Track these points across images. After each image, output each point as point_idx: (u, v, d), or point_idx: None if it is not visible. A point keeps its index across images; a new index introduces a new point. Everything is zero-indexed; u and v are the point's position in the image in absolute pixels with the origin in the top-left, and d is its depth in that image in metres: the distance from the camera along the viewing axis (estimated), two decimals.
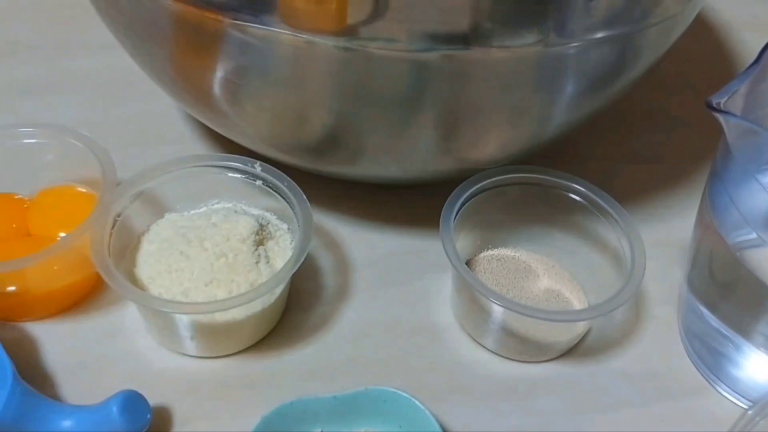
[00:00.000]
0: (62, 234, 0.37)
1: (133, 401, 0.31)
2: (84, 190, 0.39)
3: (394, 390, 0.31)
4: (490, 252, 0.41)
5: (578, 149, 0.47)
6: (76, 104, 0.49)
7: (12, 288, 0.35)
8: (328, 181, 0.41)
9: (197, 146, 0.47)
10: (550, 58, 0.32)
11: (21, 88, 0.50)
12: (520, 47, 0.31)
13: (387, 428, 0.32)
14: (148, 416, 0.31)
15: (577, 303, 0.38)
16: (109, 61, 0.52)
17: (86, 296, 0.37)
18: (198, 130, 0.48)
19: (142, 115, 0.49)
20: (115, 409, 0.30)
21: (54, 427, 0.30)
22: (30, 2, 0.58)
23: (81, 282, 0.37)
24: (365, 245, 0.41)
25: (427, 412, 0.31)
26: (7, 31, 0.55)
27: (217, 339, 0.35)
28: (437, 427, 0.30)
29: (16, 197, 0.39)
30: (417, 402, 0.31)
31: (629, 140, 0.50)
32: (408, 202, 0.44)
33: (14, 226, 0.37)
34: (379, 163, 0.38)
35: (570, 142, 0.41)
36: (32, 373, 0.34)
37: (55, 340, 0.36)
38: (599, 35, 0.32)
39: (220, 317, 0.33)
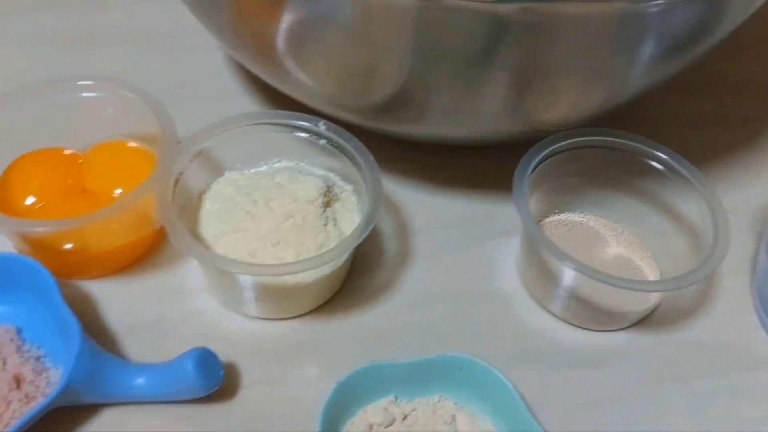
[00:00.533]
0: (118, 191, 0.36)
1: (207, 358, 0.30)
2: (137, 146, 0.38)
3: (470, 357, 0.30)
4: (557, 217, 0.39)
5: (648, 112, 0.45)
6: (119, 57, 0.48)
7: (69, 246, 0.34)
8: (387, 141, 0.39)
9: (246, 102, 0.45)
10: (633, 16, 0.30)
11: (64, 40, 0.49)
12: (604, 2, 0.29)
13: (461, 395, 0.31)
14: (221, 373, 0.31)
15: (648, 271, 0.37)
16: (153, 12, 0.51)
17: (144, 255, 0.36)
18: (247, 86, 0.46)
19: (189, 68, 0.47)
20: (190, 365, 0.29)
21: (126, 384, 0.30)
22: None
23: (139, 241, 0.36)
24: (427, 209, 0.40)
25: (505, 380, 0.30)
26: None
27: (283, 301, 0.34)
28: (516, 396, 0.29)
29: (69, 153, 0.38)
30: (495, 370, 0.30)
31: (701, 103, 0.48)
32: (470, 166, 0.42)
33: (69, 182, 0.36)
34: (447, 123, 0.36)
35: (640, 104, 0.39)
36: (94, 333, 0.33)
37: (117, 300, 0.35)
38: None
39: (288, 280, 0.32)
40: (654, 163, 0.37)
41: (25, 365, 0.31)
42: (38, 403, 0.29)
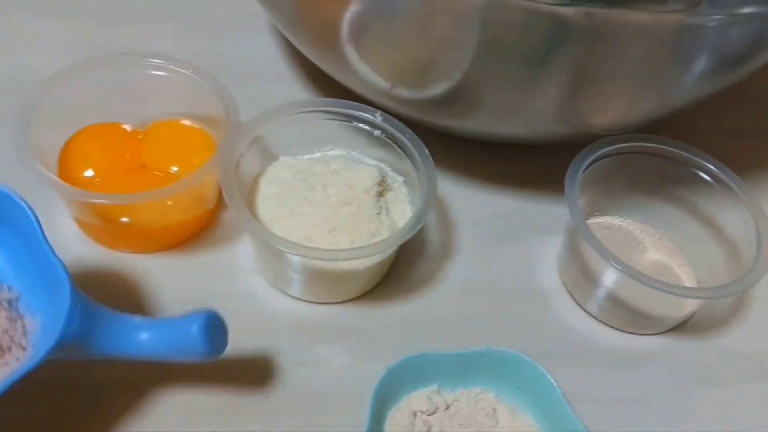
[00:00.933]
0: (174, 168, 0.37)
1: (213, 322, 0.28)
2: (194, 125, 0.39)
3: (516, 352, 0.31)
4: (598, 219, 0.40)
5: (692, 120, 0.46)
6: (174, 35, 0.49)
7: (126, 219, 0.35)
8: (435, 134, 0.40)
9: (297, 87, 0.46)
10: (691, 27, 0.31)
11: (119, 17, 0.50)
12: (663, 12, 0.30)
13: (502, 388, 0.32)
14: (226, 342, 0.29)
15: (686, 278, 0.38)
16: None
17: (197, 234, 0.37)
18: (298, 71, 0.47)
19: (242, 50, 0.48)
20: (195, 328, 0.27)
21: (124, 339, 0.28)
22: None
23: (193, 220, 0.37)
24: (472, 204, 0.41)
25: (549, 377, 0.31)
26: None
27: (331, 286, 0.35)
28: (559, 393, 0.30)
29: (129, 128, 0.38)
30: (539, 366, 0.31)
31: (746, 114, 0.49)
32: (515, 164, 0.43)
33: (128, 157, 0.37)
34: (500, 119, 0.37)
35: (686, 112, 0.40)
36: (143, 305, 0.34)
37: (168, 275, 0.36)
38: (747, 10, 0.31)
39: (339, 266, 0.33)
40: (699, 173, 0.38)
41: None
42: (13, 355, 0.27)
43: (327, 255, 0.32)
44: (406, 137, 0.36)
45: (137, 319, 0.29)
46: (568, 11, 0.29)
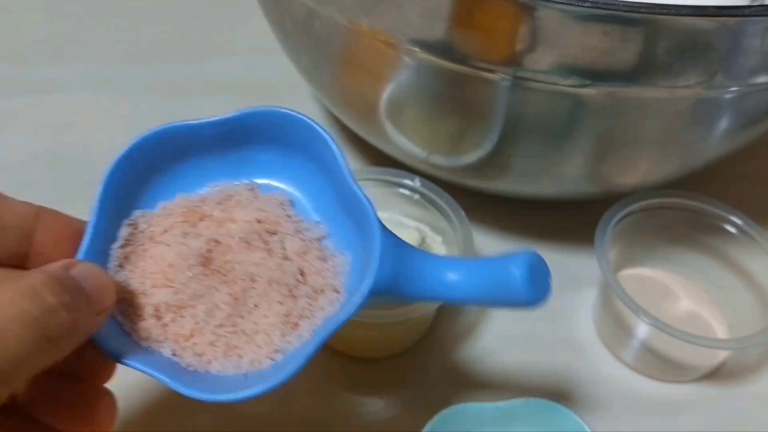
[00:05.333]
0: None
1: (536, 264, 0.25)
2: None
3: (555, 403, 0.33)
4: (630, 271, 0.42)
5: (718, 168, 0.47)
6: (221, 107, 0.52)
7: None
8: (471, 193, 0.42)
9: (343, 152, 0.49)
10: (708, 100, 0.33)
11: (167, 89, 0.54)
12: (680, 88, 0.32)
13: None
14: (550, 286, 0.26)
15: (717, 326, 0.39)
16: (254, 64, 0.55)
17: None
18: (343, 137, 0.50)
19: None
20: (516, 270, 0.24)
21: (435, 280, 0.25)
22: (177, 3, 0.62)
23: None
24: None
25: (585, 427, 0.32)
26: (153, 33, 0.59)
27: (372, 344, 0.37)
28: None
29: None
30: (577, 417, 0.33)
31: (761, 160, 0.50)
32: (549, 218, 0.45)
33: None
34: (530, 182, 0.40)
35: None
36: None
37: None
38: (762, 80, 0.33)
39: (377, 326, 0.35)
40: (725, 225, 0.39)
41: (309, 251, 0.26)
42: (327, 298, 0.25)
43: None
44: (443, 200, 0.38)
45: (449, 259, 0.26)
46: (589, 91, 0.31)
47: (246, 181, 0.27)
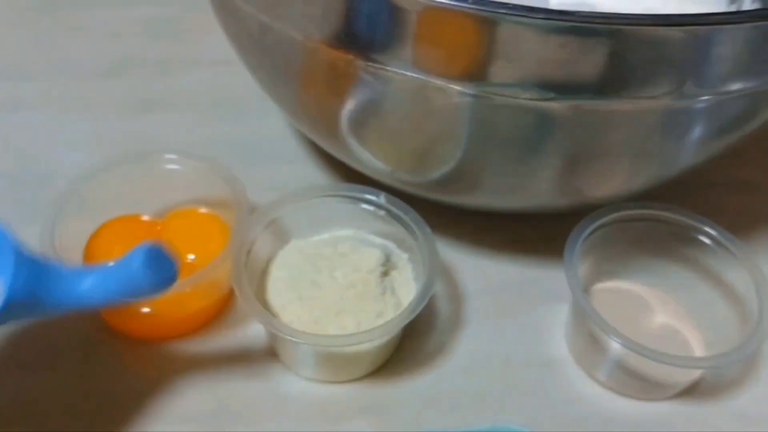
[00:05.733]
0: (191, 256, 0.39)
1: (157, 253, 0.28)
2: (208, 212, 0.41)
3: (520, 429, 0.32)
4: (604, 284, 0.41)
5: (693, 177, 0.46)
6: (188, 121, 0.51)
7: (147, 309, 0.37)
8: (441, 207, 0.41)
9: (310, 166, 0.48)
10: (679, 110, 0.32)
11: (133, 105, 0.53)
12: (648, 99, 0.31)
13: None
14: (173, 269, 0.28)
15: (694, 341, 0.38)
16: (220, 78, 0.54)
17: (212, 319, 0.39)
18: (311, 152, 0.49)
19: (254, 133, 0.50)
20: (137, 261, 0.27)
21: (73, 291, 0.27)
22: (140, 19, 0.61)
23: (210, 306, 0.38)
24: (478, 273, 0.42)
25: None
26: (118, 49, 0.58)
27: (342, 366, 0.36)
28: None
29: (148, 219, 0.41)
30: None
31: (747, 169, 0.50)
32: (521, 231, 0.44)
33: None
34: (499, 197, 0.39)
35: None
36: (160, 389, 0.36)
37: (184, 360, 0.37)
38: (734, 87, 0.32)
39: (347, 348, 0.34)
40: (699, 236, 0.38)
41: None
42: None
43: (332, 342, 0.33)
44: (408, 216, 0.37)
45: (84, 269, 0.29)
46: (554, 105, 0.30)
47: None
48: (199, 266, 0.36)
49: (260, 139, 0.50)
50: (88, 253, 0.38)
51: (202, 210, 0.41)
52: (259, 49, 0.36)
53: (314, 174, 0.47)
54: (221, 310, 0.39)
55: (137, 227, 0.40)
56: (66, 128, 0.51)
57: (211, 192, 0.40)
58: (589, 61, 0.29)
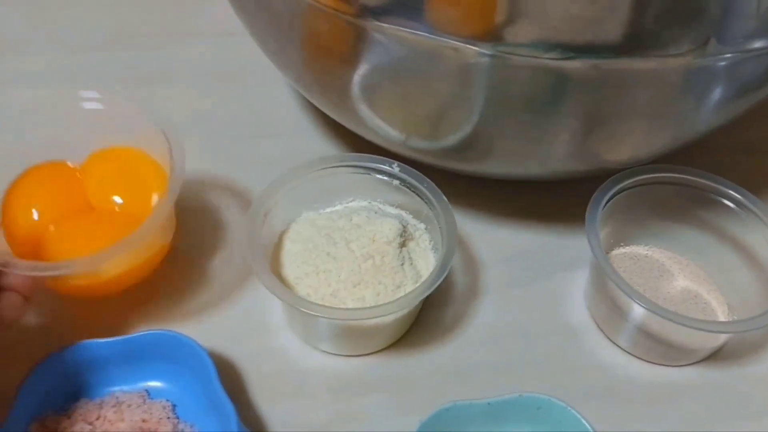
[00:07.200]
0: (117, 199, 0.36)
1: None
2: (132, 148, 0.38)
3: (548, 397, 0.32)
4: (624, 249, 0.40)
5: (712, 139, 0.45)
6: (189, 94, 0.50)
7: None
8: (455, 176, 0.40)
9: (317, 138, 0.47)
10: (700, 69, 0.31)
11: (134, 77, 0.51)
12: (670, 57, 0.30)
13: (537, 430, 0.32)
14: None
15: (716, 305, 0.38)
16: (222, 48, 0.53)
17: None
18: (317, 121, 0.48)
19: (259, 105, 0.49)
20: None
21: None
22: None
23: (151, 258, 0.37)
24: (495, 242, 0.41)
25: (583, 421, 0.31)
26: (119, 21, 0.56)
27: (361, 340, 0.35)
28: None
29: (73, 166, 0.38)
30: (573, 411, 0.31)
31: (754, 130, 0.49)
32: (536, 199, 0.43)
33: (76, 199, 0.37)
34: (515, 163, 0.38)
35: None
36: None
37: (206, 335, 0.36)
38: (757, 45, 0.31)
39: (367, 321, 0.33)
40: (721, 199, 0.37)
41: None
42: None
43: (352, 315, 0.32)
44: (424, 186, 0.36)
45: None
46: (575, 64, 0.29)
47: (141, 386, 0.34)
48: (129, 211, 0.34)
49: (265, 111, 0.49)
50: (7, 205, 0.36)
51: (126, 147, 0.38)
52: (266, 13, 0.35)
53: (322, 146, 0.46)
54: (167, 256, 0.38)
55: (61, 174, 0.37)
56: (67, 103, 0.49)
57: (144, 138, 0.37)
58: (613, 18, 0.28)
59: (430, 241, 0.37)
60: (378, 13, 0.30)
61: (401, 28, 0.30)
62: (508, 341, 0.37)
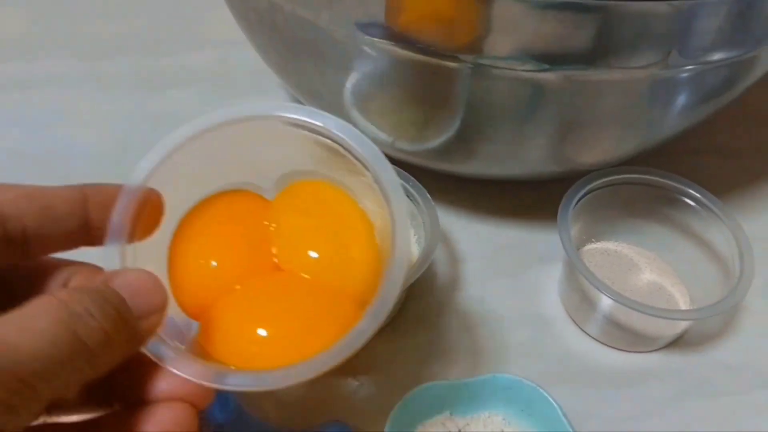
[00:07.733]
0: (312, 254, 0.26)
1: None
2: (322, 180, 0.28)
3: (519, 378, 0.34)
4: (595, 245, 0.43)
5: (679, 143, 0.49)
6: (195, 100, 0.52)
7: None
8: (439, 176, 0.43)
9: None
10: (664, 80, 0.34)
11: (140, 83, 0.54)
12: (635, 69, 0.33)
13: (510, 412, 0.35)
14: None
15: (679, 297, 0.41)
16: (227, 54, 0.56)
17: None
18: None
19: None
20: None
21: None
22: None
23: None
24: (475, 237, 0.44)
25: (551, 399, 0.34)
26: (125, 27, 0.59)
27: None
28: (561, 414, 0.33)
29: (259, 198, 0.28)
30: (542, 390, 0.34)
31: (730, 134, 0.52)
32: (515, 197, 0.46)
33: (265, 250, 0.26)
34: (494, 165, 0.40)
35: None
36: None
37: None
38: (716, 57, 0.34)
39: None
40: (684, 198, 0.40)
41: None
42: None
43: None
44: (409, 185, 0.39)
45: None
46: (548, 76, 0.32)
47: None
48: (323, 273, 0.25)
49: None
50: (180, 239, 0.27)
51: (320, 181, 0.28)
52: (267, 27, 0.37)
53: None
54: None
55: (244, 206, 0.28)
56: (78, 107, 0.51)
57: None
58: (582, 34, 0.31)
59: (414, 235, 0.40)
60: (370, 30, 0.33)
61: (390, 45, 0.33)
62: (485, 328, 0.40)
